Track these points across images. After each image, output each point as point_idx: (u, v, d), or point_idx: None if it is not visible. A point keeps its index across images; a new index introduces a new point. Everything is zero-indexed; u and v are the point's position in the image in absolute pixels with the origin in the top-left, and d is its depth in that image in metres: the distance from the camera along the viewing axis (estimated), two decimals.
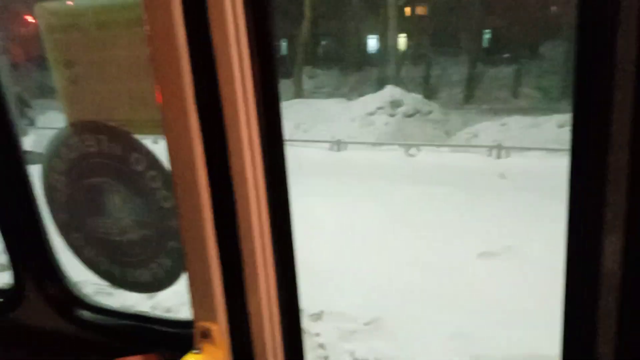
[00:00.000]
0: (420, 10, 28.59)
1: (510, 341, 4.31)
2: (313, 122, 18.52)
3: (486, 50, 26.96)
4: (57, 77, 1.23)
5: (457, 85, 25.22)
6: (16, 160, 1.40)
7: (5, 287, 1.57)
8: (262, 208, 1.02)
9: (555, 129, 14.88)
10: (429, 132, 17.36)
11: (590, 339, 0.81)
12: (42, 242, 1.46)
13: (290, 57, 26.89)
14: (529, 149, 13.81)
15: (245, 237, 1.03)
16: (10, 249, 1.48)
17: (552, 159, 11.57)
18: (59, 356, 1.47)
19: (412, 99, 18.30)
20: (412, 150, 13.40)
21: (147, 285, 1.31)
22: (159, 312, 4.90)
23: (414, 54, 27.30)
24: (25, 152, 1.42)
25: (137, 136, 1.19)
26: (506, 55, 26.10)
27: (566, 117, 14.75)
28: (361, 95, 20.83)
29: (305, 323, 4.57)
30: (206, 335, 1.09)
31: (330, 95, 24.80)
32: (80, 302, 1.45)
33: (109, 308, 1.43)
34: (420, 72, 26.34)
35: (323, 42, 30.88)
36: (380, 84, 21.83)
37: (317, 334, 4.59)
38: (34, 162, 1.42)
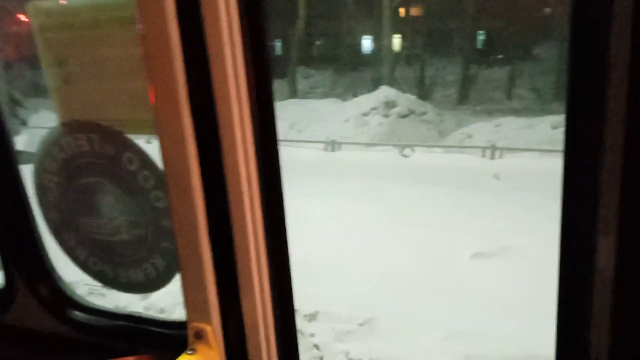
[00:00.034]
0: (415, 11, 28.68)
1: (505, 341, 4.33)
2: (307, 122, 18.53)
3: (480, 51, 27.07)
4: (49, 76, 1.22)
5: (451, 86, 25.33)
6: (8, 159, 1.39)
7: None
8: (255, 208, 1.02)
9: (549, 130, 14.96)
10: (423, 133, 17.41)
11: (584, 338, 0.81)
12: (34, 243, 1.45)
13: (284, 57, 26.90)
14: (523, 149, 13.89)
15: (239, 238, 1.02)
16: (1, 249, 1.47)
17: (546, 159, 11.64)
18: (51, 357, 1.46)
19: (406, 100, 18.34)
20: (407, 151, 13.43)
21: (141, 285, 1.30)
22: (152, 313, 4.88)
23: (408, 55, 27.37)
24: (17, 151, 1.41)
25: (130, 136, 1.18)
26: (500, 56, 26.24)
27: (560, 119, 14.83)
28: (355, 95, 20.89)
29: (300, 323, 4.56)
30: (200, 336, 1.08)
31: (324, 95, 24.83)
32: (72, 302, 1.44)
33: (101, 309, 1.42)
34: (415, 72, 26.42)
35: (317, 42, 30.88)
36: (374, 85, 21.88)
37: (312, 335, 4.59)
38: (26, 162, 1.41)
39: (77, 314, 1.42)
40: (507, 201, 8.46)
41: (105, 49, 1.13)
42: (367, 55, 28.18)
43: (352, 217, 7.65)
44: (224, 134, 0.96)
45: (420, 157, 13.01)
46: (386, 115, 17.63)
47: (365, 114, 17.76)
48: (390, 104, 17.84)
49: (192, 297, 1.08)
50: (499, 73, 24.97)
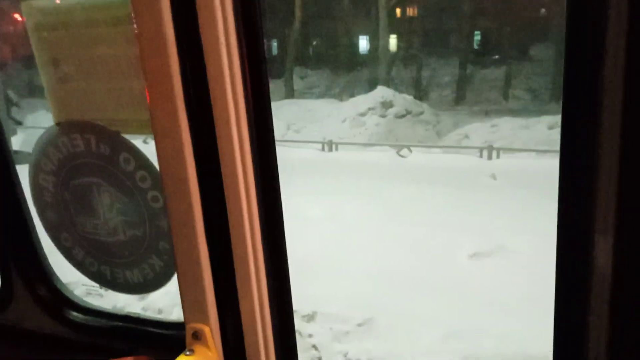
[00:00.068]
0: (411, 11, 28.72)
1: (504, 339, 4.33)
2: (304, 123, 18.54)
3: (476, 52, 27.16)
4: (45, 76, 1.22)
5: (448, 86, 25.39)
6: (4, 160, 1.39)
7: None
8: (252, 208, 1.01)
9: (545, 130, 15.02)
10: (420, 133, 17.45)
11: (582, 336, 0.82)
12: (32, 243, 1.44)
13: (281, 57, 26.90)
14: (519, 150, 13.94)
15: (236, 238, 1.02)
16: None
17: (543, 160, 11.68)
18: (49, 358, 1.46)
19: (403, 100, 18.38)
20: (404, 151, 13.45)
21: (138, 286, 1.30)
22: (150, 314, 4.87)
23: (405, 55, 27.42)
24: (14, 151, 1.40)
25: (127, 136, 1.18)
26: (496, 56, 26.31)
27: (556, 119, 14.89)
28: (352, 95, 20.93)
29: (298, 324, 4.56)
30: (198, 336, 1.08)
31: (321, 95, 24.87)
32: (70, 303, 1.44)
33: (99, 309, 1.42)
34: (411, 73, 26.48)
35: (314, 43, 30.90)
36: (371, 85, 21.91)
37: (310, 335, 4.59)
38: (22, 162, 1.40)
39: (75, 314, 1.42)
40: (504, 200, 8.49)
41: (100, 48, 1.13)
42: (363, 55, 28.21)
43: (350, 217, 7.65)
44: (220, 134, 0.95)
45: (418, 157, 13.04)
46: (383, 116, 17.67)
47: (362, 114, 17.79)
48: (387, 104, 17.87)
49: (190, 297, 1.08)
50: (496, 73, 25.04)
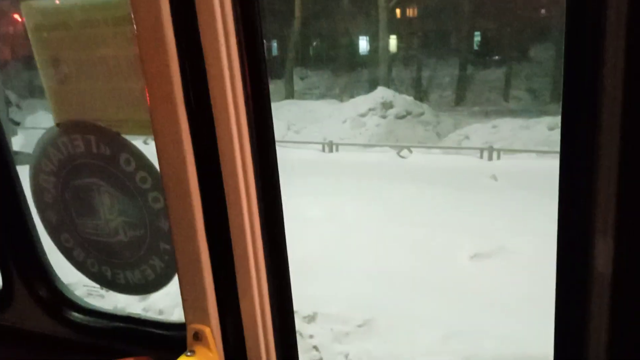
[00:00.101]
0: (411, 12, 28.72)
1: (504, 340, 4.33)
2: (304, 123, 18.54)
3: (477, 53, 27.14)
4: (45, 77, 1.22)
5: (448, 87, 25.37)
6: (4, 160, 1.39)
7: None
8: (253, 209, 1.01)
9: (546, 131, 15.01)
10: (421, 134, 17.44)
11: (582, 337, 0.82)
12: (32, 244, 1.44)
13: (281, 57, 26.89)
14: (520, 151, 13.93)
15: (237, 239, 1.02)
16: None
17: (543, 160, 11.67)
18: (50, 359, 1.46)
19: (404, 101, 18.37)
20: (404, 152, 13.44)
21: (139, 287, 1.30)
22: (151, 314, 4.87)
23: (405, 56, 27.42)
24: (14, 152, 1.41)
25: (127, 136, 1.18)
26: (496, 57, 26.30)
27: (556, 120, 14.88)
28: (352, 96, 20.90)
29: (299, 325, 4.56)
30: (199, 337, 1.08)
31: (321, 96, 24.85)
32: (71, 303, 1.44)
33: (100, 310, 1.42)
34: (411, 73, 26.46)
35: (314, 43, 30.89)
36: (371, 86, 21.89)
37: (311, 336, 4.58)
38: (22, 163, 1.40)
39: (76, 315, 1.42)
40: (505, 201, 8.48)
41: (100, 48, 1.13)
42: (363, 56, 28.19)
43: (351, 217, 7.65)
44: (220, 134, 0.95)
45: (418, 158, 13.03)
46: (383, 117, 17.66)
47: (363, 115, 17.78)
48: (387, 105, 17.86)
49: (191, 298, 1.08)
50: (496, 74, 25.02)
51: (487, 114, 20.23)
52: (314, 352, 4.46)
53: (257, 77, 0.96)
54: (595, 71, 0.71)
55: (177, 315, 4.74)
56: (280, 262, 1.09)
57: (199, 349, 1.08)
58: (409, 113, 18.00)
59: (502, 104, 23.28)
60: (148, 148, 1.14)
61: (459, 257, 6.25)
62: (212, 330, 1.08)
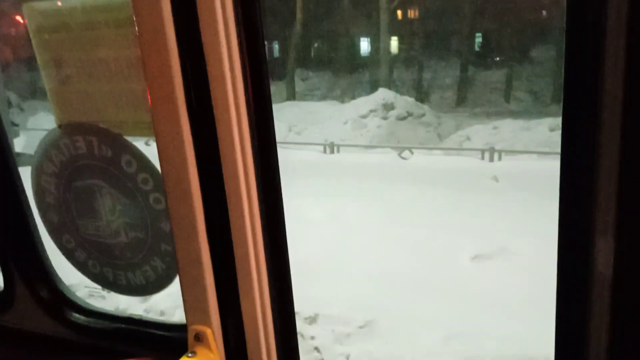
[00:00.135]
0: (412, 13, 28.72)
1: (505, 341, 4.32)
2: (305, 125, 18.54)
3: (478, 54, 27.12)
4: (46, 78, 1.22)
5: (449, 88, 25.35)
6: (6, 162, 1.39)
7: None
8: (254, 210, 1.02)
9: (547, 132, 15.00)
10: (422, 135, 17.44)
11: (583, 338, 0.82)
12: (34, 245, 1.45)
13: (282, 59, 26.91)
14: (521, 152, 13.92)
15: (238, 240, 1.02)
16: (1, 251, 1.47)
17: (544, 162, 11.66)
18: (51, 359, 1.46)
19: (405, 102, 18.37)
20: (405, 153, 13.44)
21: (140, 288, 1.30)
22: (152, 315, 4.87)
23: (406, 57, 27.40)
24: (16, 154, 1.41)
25: (129, 138, 1.18)
26: (497, 58, 26.28)
27: (557, 121, 14.87)
28: (354, 97, 20.92)
29: (300, 326, 4.56)
30: (200, 338, 1.08)
31: (322, 97, 24.86)
32: (72, 305, 1.44)
33: (101, 311, 1.42)
34: (412, 75, 26.44)
35: (315, 45, 30.90)
36: (372, 87, 21.91)
37: (312, 337, 4.58)
38: (24, 164, 1.41)
39: (77, 316, 1.42)
40: (506, 202, 8.47)
41: (102, 50, 1.13)
42: (365, 57, 28.19)
43: (352, 219, 7.65)
44: (221, 136, 0.96)
45: (419, 159, 13.04)
46: (384, 118, 17.66)
47: (364, 116, 17.78)
48: (388, 106, 17.86)
49: (192, 299, 1.08)
50: (497, 75, 25.00)
51: (488, 115, 20.22)
52: (315, 354, 4.46)
53: (259, 79, 0.96)
54: (595, 70, 0.71)
55: (178, 316, 4.74)
56: (282, 263, 1.09)
57: (200, 350, 1.08)
58: (410, 114, 18.00)
59: (503, 105, 23.26)
60: (149, 149, 1.14)
61: (460, 258, 6.24)
62: (213, 332, 1.08)
